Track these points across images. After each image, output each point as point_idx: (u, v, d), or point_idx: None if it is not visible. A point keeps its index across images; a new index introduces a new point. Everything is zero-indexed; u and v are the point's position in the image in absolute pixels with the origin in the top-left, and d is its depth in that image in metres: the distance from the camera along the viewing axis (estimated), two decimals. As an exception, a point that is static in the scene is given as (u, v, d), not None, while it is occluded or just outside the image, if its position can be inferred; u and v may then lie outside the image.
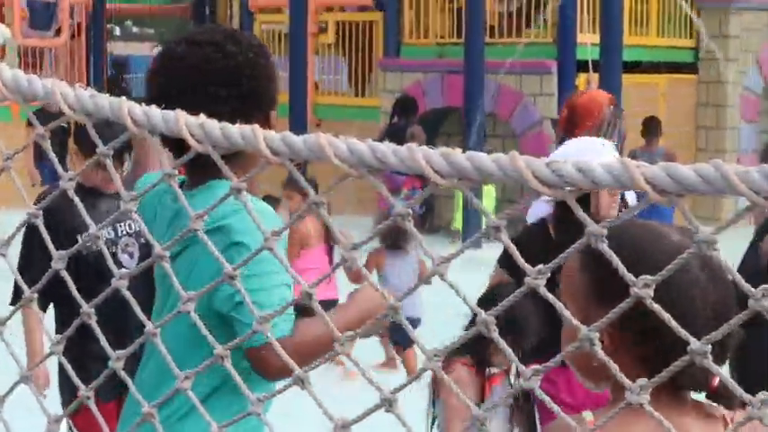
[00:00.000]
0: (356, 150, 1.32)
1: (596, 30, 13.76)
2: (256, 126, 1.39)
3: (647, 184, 1.15)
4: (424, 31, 16.47)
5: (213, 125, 1.43)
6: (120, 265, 4.97)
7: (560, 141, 5.07)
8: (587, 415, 1.71)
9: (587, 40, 13.24)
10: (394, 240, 8.04)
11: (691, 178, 1.13)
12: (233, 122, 1.43)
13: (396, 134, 12.85)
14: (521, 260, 1.21)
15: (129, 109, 1.48)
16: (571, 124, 5.09)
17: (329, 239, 8.17)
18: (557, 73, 14.42)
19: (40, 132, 1.54)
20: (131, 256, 5.11)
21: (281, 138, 1.38)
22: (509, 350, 1.24)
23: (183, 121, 1.44)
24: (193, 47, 2.74)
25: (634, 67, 14.95)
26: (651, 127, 12.66)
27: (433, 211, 14.79)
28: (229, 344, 1.44)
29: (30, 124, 11.96)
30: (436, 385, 4.49)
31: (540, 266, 1.19)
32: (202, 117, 1.44)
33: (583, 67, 13.66)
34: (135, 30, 30.76)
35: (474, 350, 4.31)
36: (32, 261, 4.86)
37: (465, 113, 14.05)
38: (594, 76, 12.22)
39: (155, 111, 1.47)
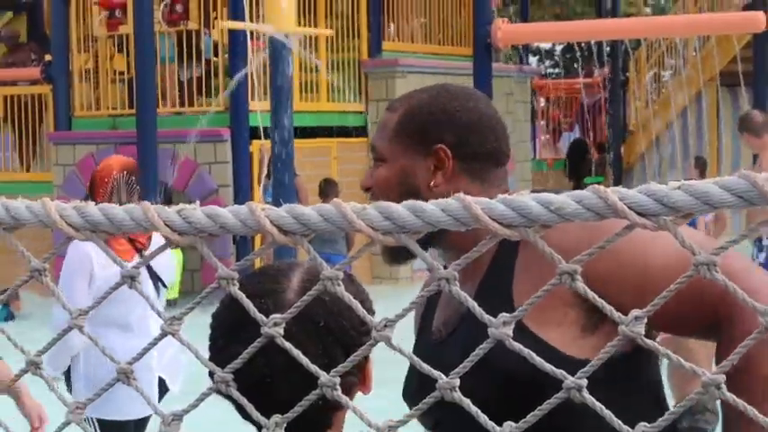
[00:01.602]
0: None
1: (267, 97, 13.96)
2: None
3: (272, 225, 1.19)
4: (95, 104, 16.29)
5: None
6: None
7: None
8: None
9: (258, 108, 13.40)
10: None
11: (313, 218, 1.18)
12: None
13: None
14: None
15: None
16: (91, 193, 5.32)
17: None
18: (230, 141, 14.55)
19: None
20: None
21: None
22: None
23: None
24: None
25: (307, 133, 15.24)
26: (328, 188, 12.94)
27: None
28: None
29: None
30: None
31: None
32: None
33: (256, 133, 13.83)
34: None
35: None
36: None
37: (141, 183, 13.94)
38: (267, 143, 12.35)
39: None
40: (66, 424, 1.26)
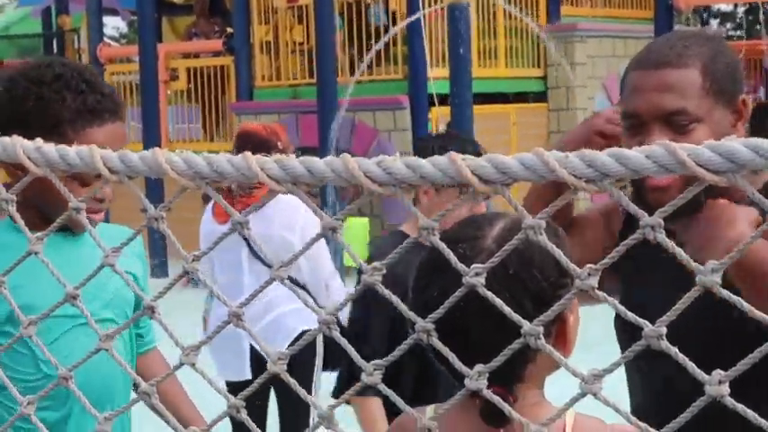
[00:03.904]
0: (193, 163, 1.34)
1: (445, 64, 13.93)
2: (93, 146, 1.41)
3: (472, 175, 1.18)
4: (276, 74, 16.51)
5: (50, 148, 1.43)
6: None
7: None
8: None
9: (436, 75, 13.40)
10: None
11: (514, 166, 1.17)
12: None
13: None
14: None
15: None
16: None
17: None
18: (409, 108, 14.59)
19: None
20: None
21: (119, 156, 1.39)
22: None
23: (20, 146, 1.45)
24: None
25: (485, 99, 15.18)
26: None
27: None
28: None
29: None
30: None
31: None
32: (39, 141, 1.45)
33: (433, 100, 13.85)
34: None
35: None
36: (371, 328, 3.86)
37: (320, 152, 14.12)
38: (444, 110, 12.35)
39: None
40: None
